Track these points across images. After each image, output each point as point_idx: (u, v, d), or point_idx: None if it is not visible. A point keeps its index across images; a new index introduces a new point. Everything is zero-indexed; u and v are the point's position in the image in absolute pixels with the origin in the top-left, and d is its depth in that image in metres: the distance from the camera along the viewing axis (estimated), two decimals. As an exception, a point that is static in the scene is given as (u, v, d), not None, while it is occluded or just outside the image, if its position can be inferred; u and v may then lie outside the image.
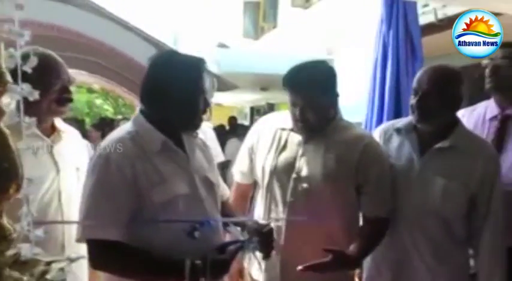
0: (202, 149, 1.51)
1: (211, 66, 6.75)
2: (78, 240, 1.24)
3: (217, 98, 10.72)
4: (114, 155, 1.23)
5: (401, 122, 1.76)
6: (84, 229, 1.24)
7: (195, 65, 1.36)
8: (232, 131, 7.85)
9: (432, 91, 1.56)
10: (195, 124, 1.39)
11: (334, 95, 1.61)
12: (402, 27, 2.63)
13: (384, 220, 1.57)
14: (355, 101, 3.44)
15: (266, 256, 1.44)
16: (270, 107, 11.80)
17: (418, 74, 1.65)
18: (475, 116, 1.96)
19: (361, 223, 1.65)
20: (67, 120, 4.86)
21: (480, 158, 1.56)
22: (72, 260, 0.63)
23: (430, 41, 3.54)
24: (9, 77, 0.55)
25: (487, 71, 1.88)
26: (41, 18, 4.61)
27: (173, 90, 1.30)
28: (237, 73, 7.22)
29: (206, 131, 3.36)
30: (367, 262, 1.72)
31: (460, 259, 1.63)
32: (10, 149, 0.54)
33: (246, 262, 1.78)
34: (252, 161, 1.75)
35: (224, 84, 6.41)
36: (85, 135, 6.39)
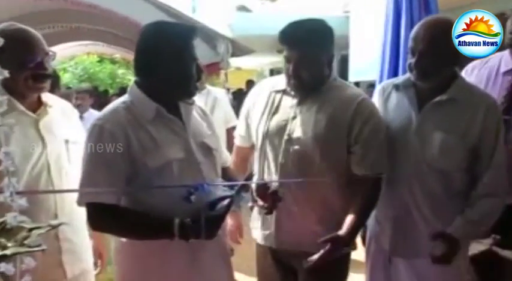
0: (202, 116, 1.53)
1: (226, 30, 6.69)
2: (78, 204, 1.33)
3: (236, 62, 10.65)
4: (108, 124, 1.30)
5: (400, 78, 1.74)
6: (82, 194, 1.31)
7: (184, 34, 1.36)
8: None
9: (429, 49, 1.52)
10: (189, 92, 1.41)
11: (329, 54, 1.59)
12: (415, -19, 2.52)
13: (374, 180, 1.56)
14: (371, 58, 3.35)
15: (268, 212, 1.54)
16: (290, 70, 11.63)
17: (413, 31, 1.59)
18: (488, 69, 1.88)
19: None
20: (86, 92, 4.90)
21: (480, 110, 1.53)
22: (53, 227, 0.68)
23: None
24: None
25: (509, 23, 1.79)
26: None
27: (163, 59, 1.32)
28: (254, 36, 7.12)
29: (218, 96, 3.37)
30: (371, 220, 1.74)
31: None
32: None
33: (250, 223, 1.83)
34: (248, 125, 1.78)
35: (240, 49, 6.35)
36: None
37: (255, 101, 1.74)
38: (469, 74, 1.91)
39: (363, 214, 1.55)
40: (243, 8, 10.39)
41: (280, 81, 1.68)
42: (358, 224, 1.54)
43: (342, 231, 1.49)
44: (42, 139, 1.48)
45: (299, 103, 1.62)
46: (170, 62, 1.32)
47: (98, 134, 1.29)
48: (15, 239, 0.62)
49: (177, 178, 1.33)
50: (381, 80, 2.72)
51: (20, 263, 0.63)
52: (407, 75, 1.67)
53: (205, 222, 1.25)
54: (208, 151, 1.45)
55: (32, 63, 1.40)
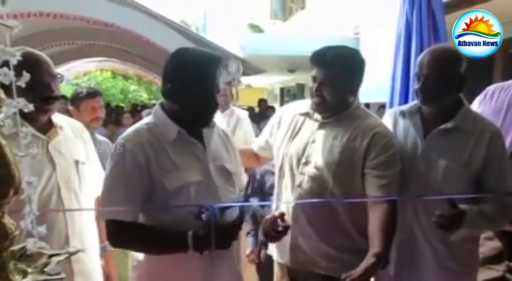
0: (224, 139, 1.53)
1: (237, 50, 6.79)
2: (97, 218, 1.39)
3: (247, 80, 10.75)
4: (129, 143, 1.33)
5: (406, 105, 1.76)
6: (102, 211, 1.37)
7: (211, 65, 1.36)
8: (262, 114, 7.84)
9: (433, 74, 1.55)
10: (207, 121, 1.41)
11: (355, 82, 1.61)
12: (425, 6, 2.56)
13: (387, 205, 1.52)
14: (381, 80, 3.38)
15: (275, 240, 1.52)
16: (300, 88, 11.71)
17: (419, 58, 1.64)
18: (509, 94, 1.86)
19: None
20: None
21: (485, 138, 1.54)
22: (71, 254, 0.70)
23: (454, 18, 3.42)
24: (2, 94, 0.61)
25: None
26: (69, 11, 4.80)
27: (187, 88, 1.34)
28: (264, 56, 7.21)
29: (241, 117, 3.40)
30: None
31: (467, 242, 1.61)
32: (6, 158, 0.60)
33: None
34: (268, 142, 1.82)
35: (250, 69, 6.43)
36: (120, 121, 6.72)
37: (280, 123, 1.77)
38: (489, 98, 1.91)
39: (386, 234, 1.46)
40: (255, 27, 10.50)
41: (305, 104, 1.70)
42: (386, 241, 1.44)
43: (376, 248, 1.40)
44: (52, 161, 1.47)
45: (319, 128, 1.64)
46: (194, 91, 1.35)
47: (119, 154, 1.33)
48: (35, 266, 0.64)
49: (194, 200, 1.34)
50: (391, 102, 2.74)
51: (38, 288, 0.65)
52: (414, 102, 1.70)
53: (219, 232, 1.26)
54: (227, 175, 1.46)
55: (39, 86, 1.39)
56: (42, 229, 0.68)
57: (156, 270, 1.40)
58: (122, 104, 13.30)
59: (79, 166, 1.55)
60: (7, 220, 0.59)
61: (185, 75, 1.34)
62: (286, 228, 1.49)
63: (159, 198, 1.33)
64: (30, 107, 0.66)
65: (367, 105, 6.33)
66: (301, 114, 1.70)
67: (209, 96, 1.36)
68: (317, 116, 1.66)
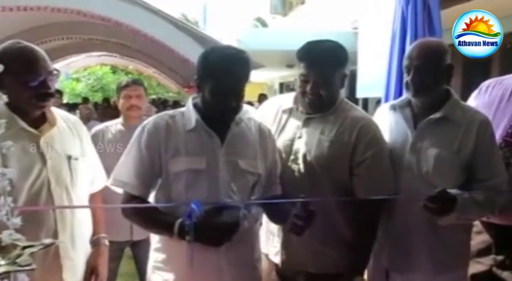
0: (254, 137, 1.51)
1: (236, 45, 6.77)
2: (110, 184, 1.47)
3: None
4: (149, 125, 1.44)
5: (397, 100, 1.78)
6: (114, 178, 1.46)
7: (223, 63, 1.36)
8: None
9: (424, 64, 1.57)
10: (223, 117, 1.42)
11: (344, 74, 1.61)
12: (420, 0, 2.55)
13: (374, 205, 1.54)
14: (379, 75, 3.37)
15: (300, 232, 1.38)
16: (299, 83, 11.68)
17: (408, 51, 1.65)
18: (503, 88, 1.86)
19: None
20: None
21: (473, 127, 1.56)
22: (45, 246, 0.70)
23: (452, 12, 3.41)
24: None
25: None
26: (66, 5, 4.80)
27: (203, 82, 1.39)
28: (263, 51, 7.20)
29: (248, 111, 3.39)
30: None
31: (458, 233, 1.62)
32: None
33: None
34: None
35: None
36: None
37: (262, 119, 1.73)
38: (484, 92, 1.91)
39: (364, 248, 1.58)
40: (259, 21, 10.43)
41: (288, 100, 1.69)
42: (362, 258, 1.58)
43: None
44: (43, 155, 1.46)
45: (305, 123, 1.63)
46: (210, 88, 1.37)
47: (138, 133, 1.45)
48: (9, 257, 0.65)
49: (191, 188, 1.38)
50: (386, 97, 2.74)
51: (13, 279, 0.65)
52: (404, 96, 1.72)
53: (207, 229, 1.29)
54: (238, 172, 1.43)
55: (35, 82, 1.38)
56: (17, 221, 0.69)
57: (168, 251, 1.45)
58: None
59: (71, 162, 1.54)
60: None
61: (202, 71, 1.39)
62: (310, 215, 1.34)
63: (164, 181, 1.42)
64: (4, 98, 0.66)
65: (365, 100, 6.32)
66: (285, 111, 1.70)
67: (222, 95, 1.36)
68: (302, 110, 1.65)
